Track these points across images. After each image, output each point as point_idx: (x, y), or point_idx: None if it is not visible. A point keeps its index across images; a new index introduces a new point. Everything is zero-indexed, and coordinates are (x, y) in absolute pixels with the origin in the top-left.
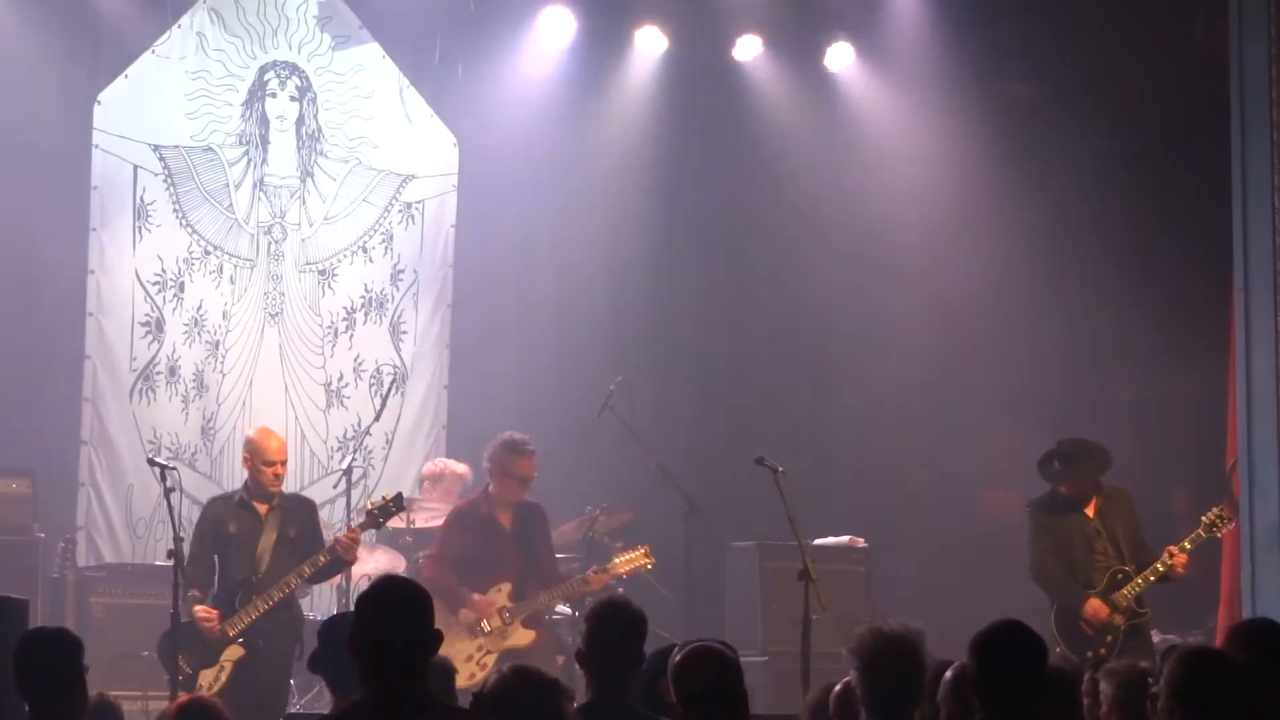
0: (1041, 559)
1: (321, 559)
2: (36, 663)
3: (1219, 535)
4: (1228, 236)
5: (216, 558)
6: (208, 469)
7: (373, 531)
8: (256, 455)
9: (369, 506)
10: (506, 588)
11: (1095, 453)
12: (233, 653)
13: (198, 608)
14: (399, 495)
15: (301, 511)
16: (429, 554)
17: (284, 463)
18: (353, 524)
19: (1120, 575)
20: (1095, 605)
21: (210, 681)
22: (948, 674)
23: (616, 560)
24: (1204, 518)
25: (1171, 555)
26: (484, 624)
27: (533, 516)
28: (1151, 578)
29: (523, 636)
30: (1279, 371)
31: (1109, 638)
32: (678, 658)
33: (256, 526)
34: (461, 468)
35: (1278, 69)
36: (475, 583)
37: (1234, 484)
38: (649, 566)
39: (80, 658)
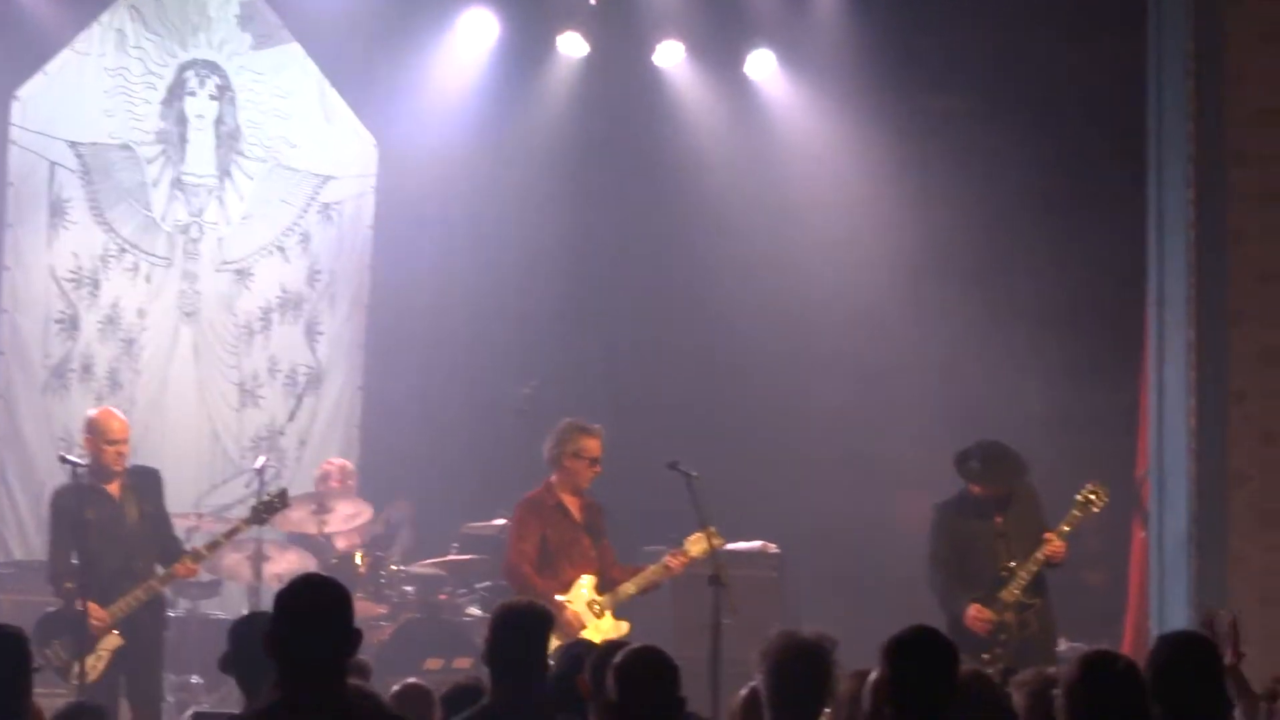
0: (932, 564)
1: (170, 575)
2: None
3: (1095, 510)
4: (1143, 249)
5: (78, 547)
6: None
7: (283, 531)
8: (100, 435)
9: (254, 502)
10: (590, 580)
11: (1014, 457)
12: (110, 641)
13: (93, 608)
14: (283, 492)
15: (151, 484)
16: (510, 550)
17: (126, 441)
18: (202, 549)
19: (1004, 573)
20: (973, 612)
21: (89, 669)
22: (850, 684)
23: (687, 543)
24: (1077, 496)
25: (1049, 541)
26: (573, 624)
27: (596, 511)
28: (1034, 567)
29: (617, 628)
30: (1191, 385)
31: (1003, 636)
32: (620, 659)
33: (116, 510)
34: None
35: (1195, 83)
36: (558, 573)
37: (1144, 494)
38: (713, 545)
39: (22, 656)
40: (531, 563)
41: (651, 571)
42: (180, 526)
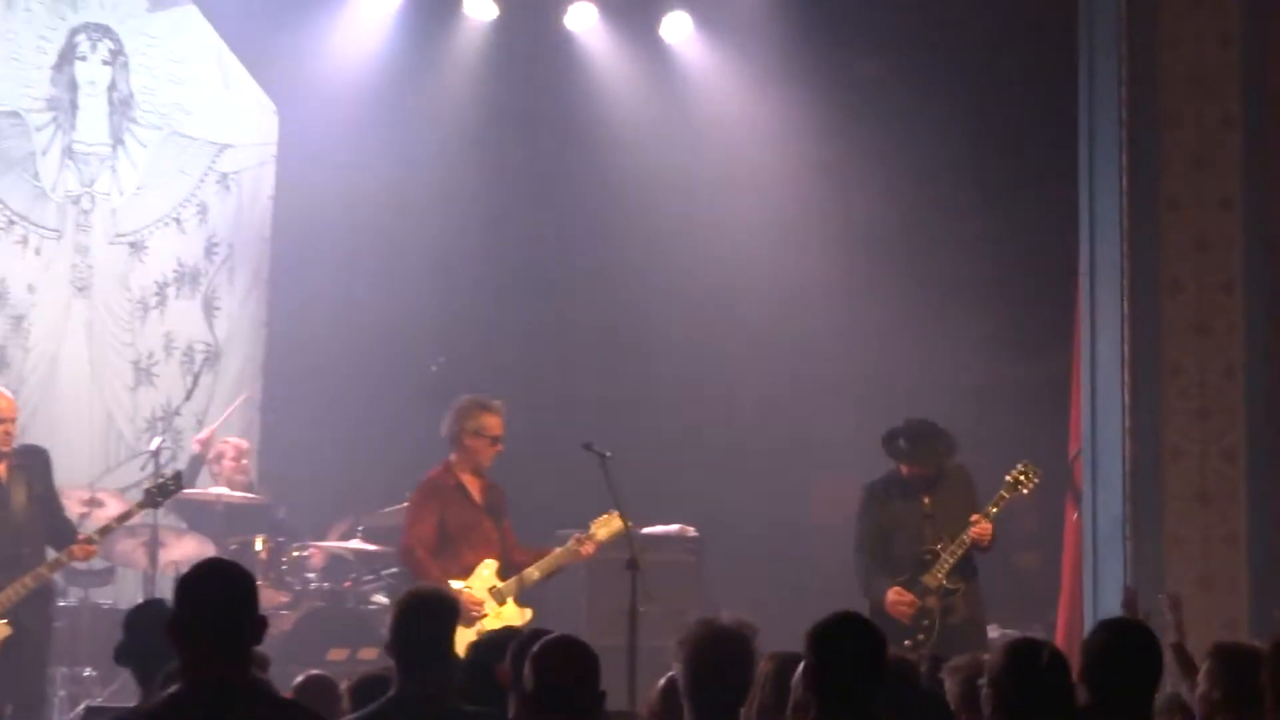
0: (857, 547)
1: (64, 559)
2: None
3: (1025, 491)
4: (1075, 216)
5: None
6: None
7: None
8: None
9: (147, 485)
10: (493, 565)
11: (942, 436)
12: None
13: None
14: (178, 474)
15: (39, 465)
16: (405, 533)
17: (14, 421)
18: (94, 534)
19: (929, 556)
20: (892, 596)
21: None
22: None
23: (594, 526)
24: (1007, 477)
25: (974, 523)
26: (474, 611)
27: (498, 492)
28: (959, 551)
29: (520, 615)
30: (1124, 359)
31: (925, 622)
32: (537, 649)
33: (2, 493)
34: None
35: (1127, 46)
36: (458, 557)
37: (1077, 474)
38: (627, 526)
39: None
40: (427, 546)
41: (557, 555)
42: (74, 509)
